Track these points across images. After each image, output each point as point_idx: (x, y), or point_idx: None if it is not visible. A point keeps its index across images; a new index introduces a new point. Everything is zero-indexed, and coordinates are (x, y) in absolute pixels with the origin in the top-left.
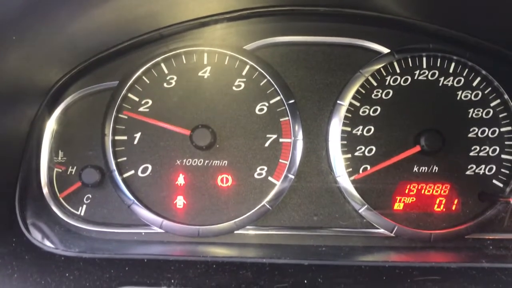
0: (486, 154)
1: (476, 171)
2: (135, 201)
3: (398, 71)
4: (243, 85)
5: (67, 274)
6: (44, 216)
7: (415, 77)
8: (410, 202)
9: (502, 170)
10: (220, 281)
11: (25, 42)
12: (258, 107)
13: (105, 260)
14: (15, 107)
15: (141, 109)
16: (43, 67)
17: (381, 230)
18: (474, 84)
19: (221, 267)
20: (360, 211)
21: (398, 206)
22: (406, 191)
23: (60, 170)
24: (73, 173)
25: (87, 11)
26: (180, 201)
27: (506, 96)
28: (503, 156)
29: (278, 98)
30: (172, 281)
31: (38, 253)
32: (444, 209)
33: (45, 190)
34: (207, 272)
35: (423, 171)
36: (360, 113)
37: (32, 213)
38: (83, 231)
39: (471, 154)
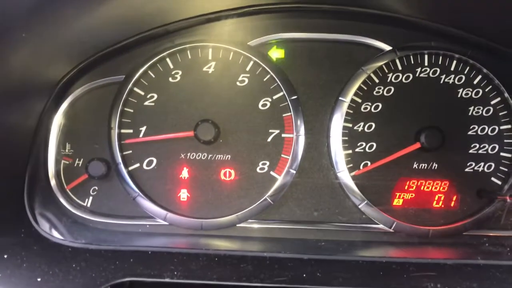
0: (485, 152)
1: (475, 168)
2: (140, 193)
3: (400, 68)
4: (246, 80)
5: (74, 265)
6: (52, 207)
7: (417, 75)
8: (409, 198)
9: (501, 167)
10: (222, 273)
11: (33, 38)
12: (261, 102)
13: (110, 251)
14: (23, 102)
15: (146, 103)
16: (50, 63)
17: (380, 226)
18: (475, 82)
19: (223, 260)
20: (360, 206)
21: (397, 202)
22: (406, 187)
23: (67, 163)
24: (80, 165)
25: (95, 7)
26: (184, 194)
27: (506, 95)
28: (502, 154)
29: (281, 93)
30: (175, 273)
31: (46, 244)
32: (442, 206)
33: (53, 182)
34: (209, 264)
35: (422, 167)
36: (362, 109)
37: (40, 205)
38: (89, 222)
39: (471, 151)
